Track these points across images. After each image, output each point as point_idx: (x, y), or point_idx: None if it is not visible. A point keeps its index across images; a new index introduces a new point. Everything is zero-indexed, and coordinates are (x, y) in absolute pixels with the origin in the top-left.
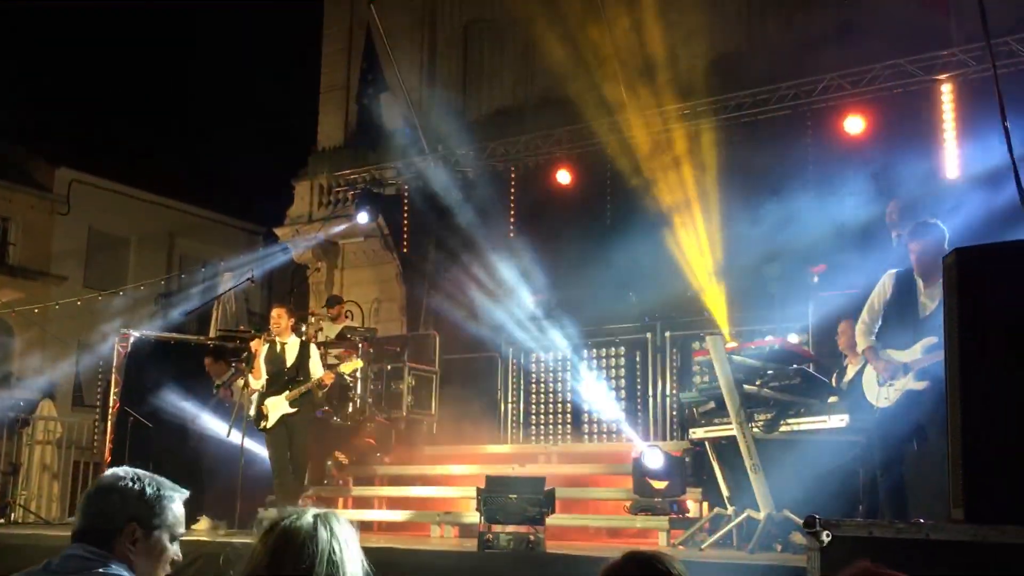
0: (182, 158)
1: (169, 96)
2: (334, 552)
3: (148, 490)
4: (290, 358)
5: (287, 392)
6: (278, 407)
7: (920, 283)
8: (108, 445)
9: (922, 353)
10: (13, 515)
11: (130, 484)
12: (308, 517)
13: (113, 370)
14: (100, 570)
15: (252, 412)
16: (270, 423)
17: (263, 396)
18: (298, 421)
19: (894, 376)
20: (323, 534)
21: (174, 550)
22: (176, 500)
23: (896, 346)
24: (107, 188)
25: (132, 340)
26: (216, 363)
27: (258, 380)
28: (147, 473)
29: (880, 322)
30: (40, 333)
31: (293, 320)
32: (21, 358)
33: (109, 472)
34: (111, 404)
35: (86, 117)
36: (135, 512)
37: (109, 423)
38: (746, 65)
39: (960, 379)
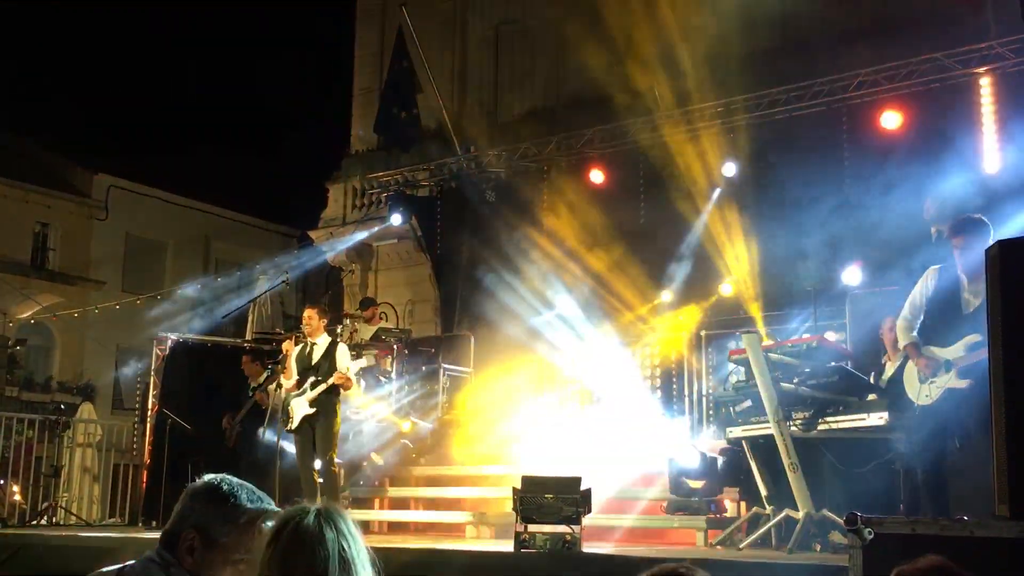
0: (217, 163)
1: (205, 102)
2: (344, 550)
3: (223, 502)
4: (315, 358)
5: (308, 392)
6: (300, 408)
7: (964, 279)
8: (147, 447)
9: (965, 351)
10: (55, 517)
11: (208, 490)
12: (311, 518)
13: (152, 373)
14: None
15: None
16: (294, 424)
17: (291, 397)
18: (318, 422)
19: (936, 373)
20: (329, 533)
21: (241, 573)
22: (253, 521)
23: (938, 343)
24: (144, 193)
25: (170, 343)
26: (253, 363)
27: (288, 380)
28: (239, 483)
29: (922, 318)
30: (79, 337)
31: (325, 320)
32: (61, 362)
33: (207, 476)
34: (150, 407)
35: (123, 123)
36: (198, 520)
37: (148, 425)
38: (780, 61)
39: (1004, 372)
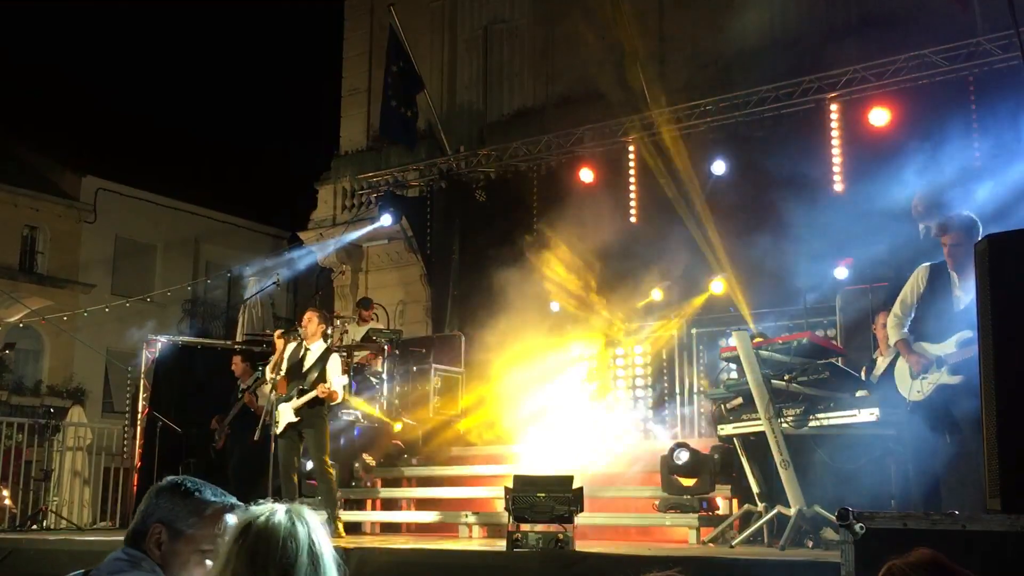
0: (206, 164)
1: (192, 103)
2: (314, 545)
3: (187, 496)
4: (307, 364)
5: (293, 400)
6: (286, 415)
7: (954, 276)
8: (138, 450)
9: (956, 347)
10: (45, 521)
11: (171, 487)
12: (281, 514)
13: (142, 376)
14: (126, 572)
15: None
16: (279, 429)
17: (278, 401)
18: (306, 430)
19: (927, 370)
20: (301, 529)
21: (208, 566)
22: (218, 513)
23: (930, 340)
24: (133, 196)
25: (160, 346)
26: (244, 363)
27: (273, 374)
28: (201, 482)
29: (913, 315)
30: (69, 341)
31: (324, 326)
32: (51, 366)
33: (166, 478)
34: (140, 409)
35: (111, 126)
36: (164, 515)
37: (138, 428)
38: (768, 59)
39: (995, 367)
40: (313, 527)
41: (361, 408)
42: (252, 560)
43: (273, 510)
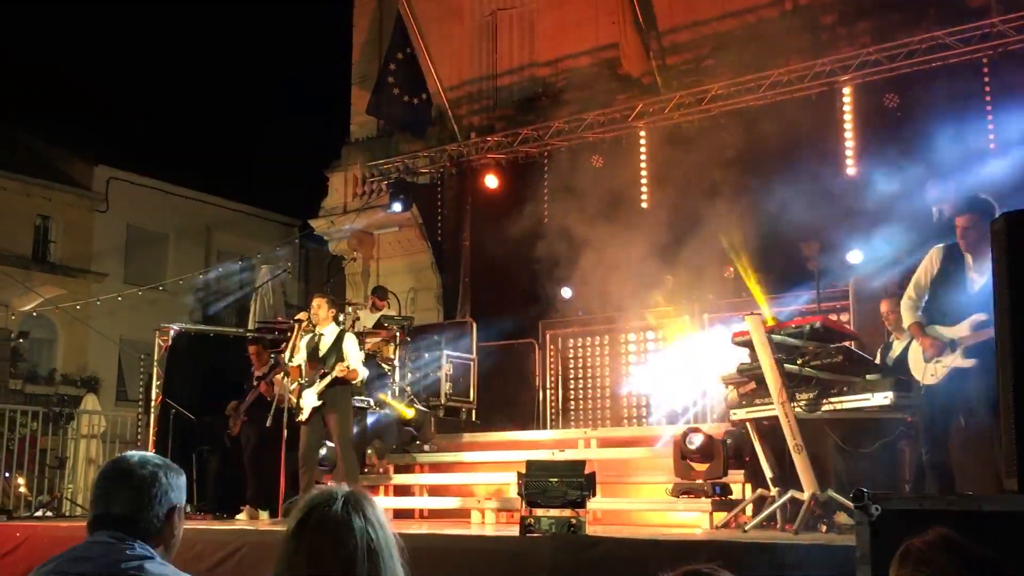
0: (217, 153)
1: (203, 92)
2: (372, 540)
3: (177, 472)
4: (323, 349)
5: (316, 384)
6: (309, 399)
7: (968, 258)
8: (152, 438)
9: (970, 330)
10: (61, 509)
11: (163, 470)
12: (339, 505)
13: (155, 364)
14: (127, 552)
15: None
16: (304, 416)
17: (301, 387)
18: (330, 414)
19: (941, 353)
20: (357, 522)
21: None
22: None
23: (943, 322)
24: (145, 185)
25: (172, 334)
26: (262, 353)
27: (293, 359)
28: (155, 454)
29: (927, 298)
30: (82, 329)
31: (334, 311)
32: (64, 354)
33: (135, 460)
34: (153, 397)
35: (122, 115)
36: (177, 494)
37: (152, 416)
38: (782, 42)
39: (1011, 345)
40: (370, 518)
41: (372, 394)
42: (312, 556)
43: (332, 500)
